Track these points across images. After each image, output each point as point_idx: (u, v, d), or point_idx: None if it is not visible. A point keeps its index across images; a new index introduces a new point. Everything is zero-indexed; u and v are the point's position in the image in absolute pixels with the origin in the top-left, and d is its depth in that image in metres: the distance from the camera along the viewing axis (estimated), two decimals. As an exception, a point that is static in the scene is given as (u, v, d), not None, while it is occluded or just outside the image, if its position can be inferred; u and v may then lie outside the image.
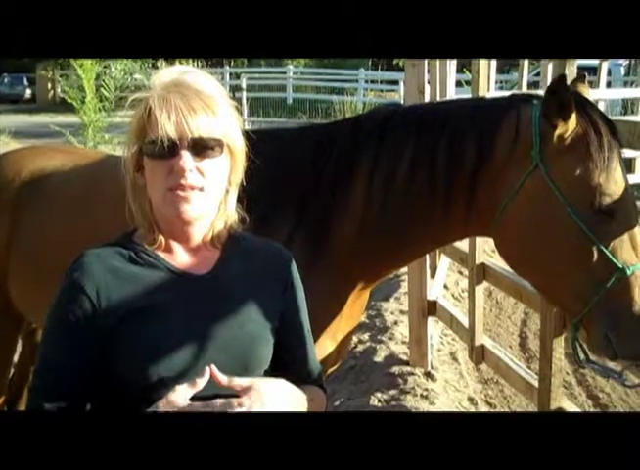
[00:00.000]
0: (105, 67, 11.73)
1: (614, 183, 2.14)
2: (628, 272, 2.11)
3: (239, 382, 1.46)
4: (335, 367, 2.72)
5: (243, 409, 1.42)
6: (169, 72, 1.58)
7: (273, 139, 2.53)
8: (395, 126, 2.35)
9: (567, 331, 2.39)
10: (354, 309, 2.56)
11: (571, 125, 2.16)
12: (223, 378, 1.45)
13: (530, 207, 2.19)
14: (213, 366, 1.45)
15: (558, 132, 2.16)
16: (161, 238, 1.61)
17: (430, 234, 2.39)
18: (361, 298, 2.58)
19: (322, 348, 2.39)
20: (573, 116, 2.15)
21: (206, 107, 1.54)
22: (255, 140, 2.49)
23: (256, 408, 1.43)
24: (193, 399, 1.43)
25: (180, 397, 1.42)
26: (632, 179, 4.47)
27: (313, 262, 2.32)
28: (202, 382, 1.43)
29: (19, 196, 2.93)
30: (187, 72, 1.58)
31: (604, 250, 2.12)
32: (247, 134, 2.67)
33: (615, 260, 2.12)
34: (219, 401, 1.43)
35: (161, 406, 1.42)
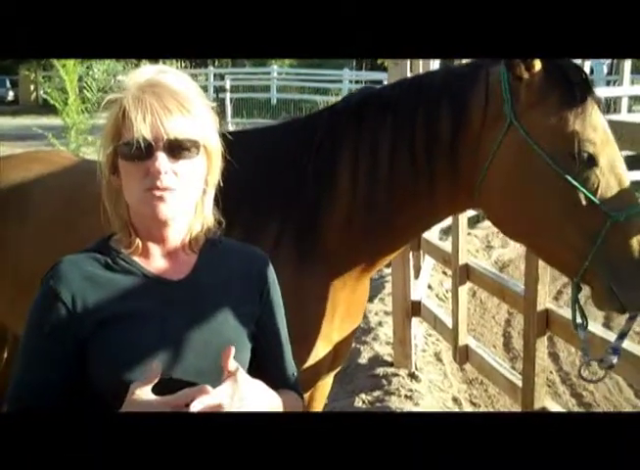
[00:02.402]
0: (87, 68, 11.64)
1: (592, 129, 2.08)
2: (620, 218, 2.03)
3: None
4: (336, 370, 2.68)
5: (220, 402, 1.40)
6: (144, 72, 1.55)
7: (254, 140, 2.50)
8: (372, 110, 2.31)
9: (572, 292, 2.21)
10: (352, 308, 2.50)
11: (537, 74, 2.10)
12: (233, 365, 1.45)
13: (511, 165, 2.13)
14: (233, 348, 1.44)
15: (525, 83, 2.11)
16: (138, 242, 1.59)
17: (418, 215, 2.33)
18: (358, 295, 2.52)
19: (316, 350, 2.36)
20: (538, 64, 2.09)
21: (182, 107, 1.52)
22: (235, 143, 2.47)
23: (235, 402, 1.43)
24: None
25: (143, 394, 1.39)
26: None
27: (303, 263, 2.29)
28: (154, 377, 1.40)
29: None
30: (162, 72, 1.56)
31: (592, 197, 2.04)
32: (228, 136, 2.64)
33: (604, 207, 2.04)
34: (188, 390, 1.40)
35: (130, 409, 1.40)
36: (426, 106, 2.24)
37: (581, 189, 2.05)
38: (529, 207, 2.13)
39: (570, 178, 2.05)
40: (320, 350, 2.39)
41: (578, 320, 2.24)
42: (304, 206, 2.33)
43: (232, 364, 1.45)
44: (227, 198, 2.33)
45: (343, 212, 2.30)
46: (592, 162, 2.07)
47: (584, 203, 2.06)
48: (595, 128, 2.08)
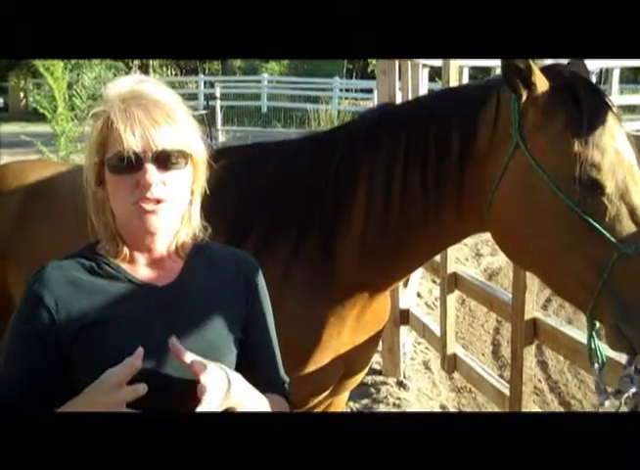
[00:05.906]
0: (77, 75, 11.61)
1: (598, 152, 1.93)
2: (630, 251, 1.86)
3: (199, 362, 1.45)
4: (353, 385, 2.67)
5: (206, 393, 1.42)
6: (125, 82, 1.56)
7: (272, 155, 2.50)
8: (386, 135, 2.28)
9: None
10: (365, 321, 2.47)
11: (543, 93, 2.02)
12: (186, 355, 1.44)
13: (517, 189, 2.03)
14: (174, 339, 1.45)
15: (530, 103, 2.02)
16: (125, 249, 1.59)
17: (427, 241, 2.30)
18: (374, 309, 2.47)
19: (321, 363, 2.36)
20: (540, 81, 2.02)
21: (168, 118, 1.53)
22: (252, 159, 2.46)
23: (220, 390, 1.44)
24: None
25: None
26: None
27: (316, 280, 2.29)
28: (130, 369, 1.41)
29: (24, 203, 2.90)
30: (143, 82, 1.57)
31: (597, 226, 1.90)
32: (248, 148, 2.66)
33: (612, 238, 1.89)
34: None
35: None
36: (438, 132, 2.18)
37: (584, 216, 1.92)
38: (535, 234, 2.01)
39: (571, 204, 1.93)
40: (326, 363, 2.39)
41: (594, 354, 2.03)
42: (319, 227, 2.32)
43: (199, 360, 1.46)
44: (242, 216, 2.34)
45: (357, 237, 2.29)
46: (597, 188, 1.93)
47: (590, 232, 1.92)
48: (603, 152, 1.94)
